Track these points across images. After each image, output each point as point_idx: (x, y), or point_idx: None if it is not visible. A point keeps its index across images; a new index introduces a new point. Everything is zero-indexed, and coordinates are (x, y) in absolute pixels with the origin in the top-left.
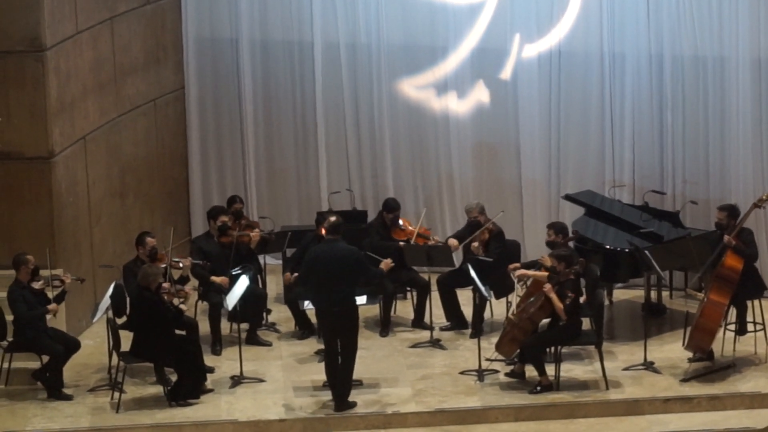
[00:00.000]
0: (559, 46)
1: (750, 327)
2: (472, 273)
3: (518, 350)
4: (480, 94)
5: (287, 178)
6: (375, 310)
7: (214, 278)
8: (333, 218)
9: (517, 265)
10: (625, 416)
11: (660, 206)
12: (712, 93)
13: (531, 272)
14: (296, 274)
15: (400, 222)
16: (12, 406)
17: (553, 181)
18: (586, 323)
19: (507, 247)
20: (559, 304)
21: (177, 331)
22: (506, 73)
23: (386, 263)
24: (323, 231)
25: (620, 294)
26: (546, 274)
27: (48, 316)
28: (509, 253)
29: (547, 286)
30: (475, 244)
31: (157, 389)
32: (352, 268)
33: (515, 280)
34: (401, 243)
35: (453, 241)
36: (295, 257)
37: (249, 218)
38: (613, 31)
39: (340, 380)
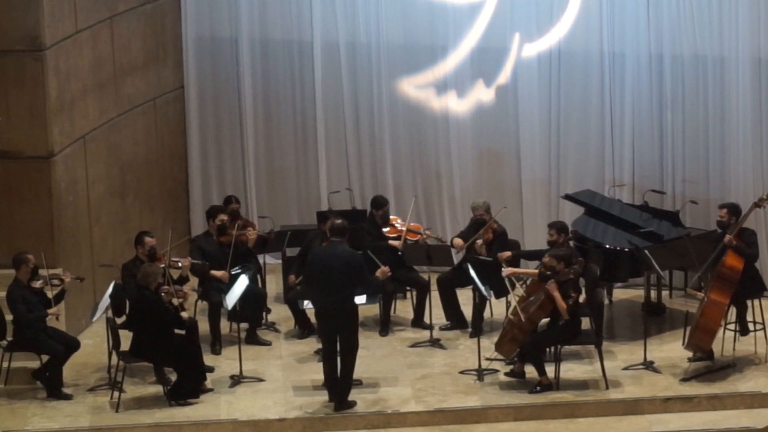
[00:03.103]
0: (559, 46)
1: (750, 327)
2: (472, 272)
3: (518, 350)
4: (480, 94)
5: (287, 177)
6: (375, 309)
7: (214, 272)
8: (339, 221)
9: (509, 254)
10: (625, 416)
11: (660, 206)
12: (712, 92)
13: (520, 270)
14: (301, 277)
15: (392, 218)
16: (11, 406)
17: (553, 180)
18: (585, 323)
19: (508, 247)
20: (562, 303)
21: (177, 331)
22: (506, 73)
23: (383, 271)
24: (328, 233)
25: (620, 293)
26: (536, 272)
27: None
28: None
29: (551, 284)
30: (479, 242)
31: (157, 389)
32: (352, 272)
33: (506, 281)
34: (393, 242)
35: (458, 241)
36: (299, 257)
37: (246, 218)
38: (613, 30)
39: (341, 380)
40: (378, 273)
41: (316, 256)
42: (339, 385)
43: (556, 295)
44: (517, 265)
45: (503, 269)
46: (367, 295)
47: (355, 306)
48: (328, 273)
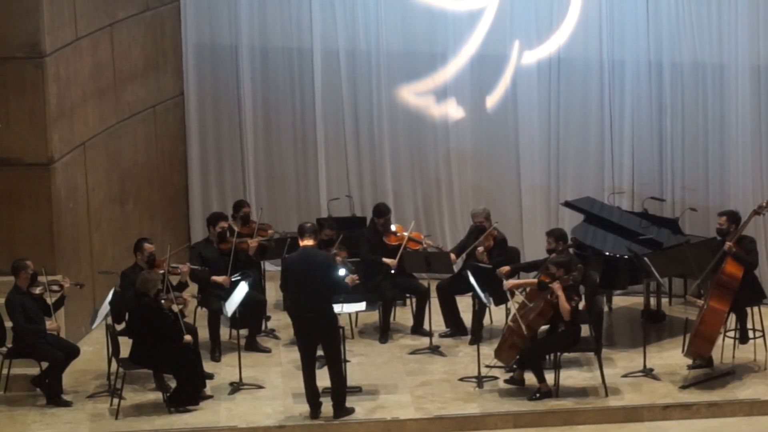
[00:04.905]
0: (559, 53)
1: (750, 334)
2: (472, 280)
3: (517, 357)
4: (479, 101)
5: (287, 184)
6: (374, 316)
7: (215, 278)
8: (308, 224)
9: (507, 269)
10: (625, 423)
11: (659, 213)
12: (712, 100)
13: (520, 282)
14: None
15: (393, 227)
16: (11, 413)
17: (553, 187)
18: (585, 330)
19: (508, 254)
20: (566, 304)
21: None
22: (506, 80)
23: (351, 278)
24: (300, 238)
25: (619, 301)
26: (535, 281)
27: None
28: (509, 260)
29: (556, 284)
30: (480, 249)
31: (157, 396)
32: (325, 274)
33: (507, 293)
34: (387, 260)
35: (451, 256)
36: None
37: (255, 222)
38: (613, 37)
39: (333, 387)
40: (347, 279)
41: (291, 262)
42: (333, 392)
43: (561, 294)
44: (516, 277)
45: (504, 282)
46: (366, 301)
47: (334, 310)
48: (304, 278)
